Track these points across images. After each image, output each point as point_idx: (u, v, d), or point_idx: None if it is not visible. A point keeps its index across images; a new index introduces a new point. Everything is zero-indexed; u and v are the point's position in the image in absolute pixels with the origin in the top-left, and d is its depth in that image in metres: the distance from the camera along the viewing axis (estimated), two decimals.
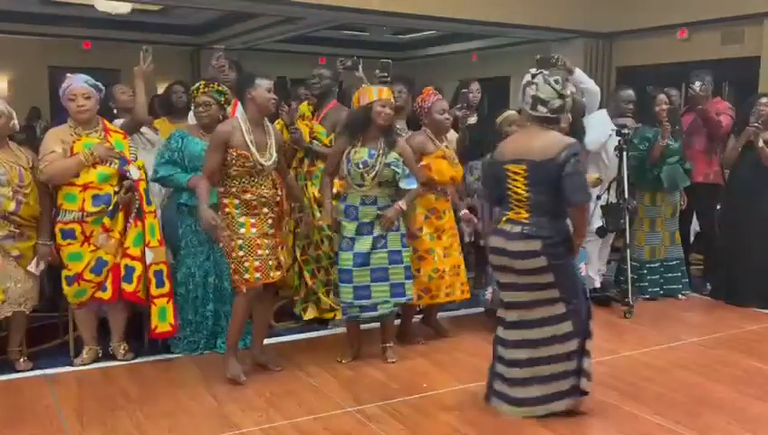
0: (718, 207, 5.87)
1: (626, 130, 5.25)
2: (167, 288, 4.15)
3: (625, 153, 5.23)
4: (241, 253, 3.76)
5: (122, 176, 4.03)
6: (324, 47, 12.03)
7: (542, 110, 3.37)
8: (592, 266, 5.38)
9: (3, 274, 3.90)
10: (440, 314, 4.91)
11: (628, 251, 5.44)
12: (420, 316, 4.86)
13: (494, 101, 8.05)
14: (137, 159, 4.17)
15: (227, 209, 3.79)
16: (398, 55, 13.29)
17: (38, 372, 4.06)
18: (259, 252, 3.78)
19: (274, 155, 3.86)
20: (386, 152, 4.05)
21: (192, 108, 4.45)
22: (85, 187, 3.94)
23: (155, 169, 4.30)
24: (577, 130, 4.90)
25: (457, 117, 4.99)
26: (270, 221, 3.86)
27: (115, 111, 5.01)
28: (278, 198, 3.93)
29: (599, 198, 5.27)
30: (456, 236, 4.65)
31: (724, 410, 3.64)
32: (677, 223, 5.85)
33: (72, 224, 3.95)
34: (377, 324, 4.38)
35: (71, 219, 3.95)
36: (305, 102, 5.05)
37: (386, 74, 4.81)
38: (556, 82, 3.37)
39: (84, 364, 4.14)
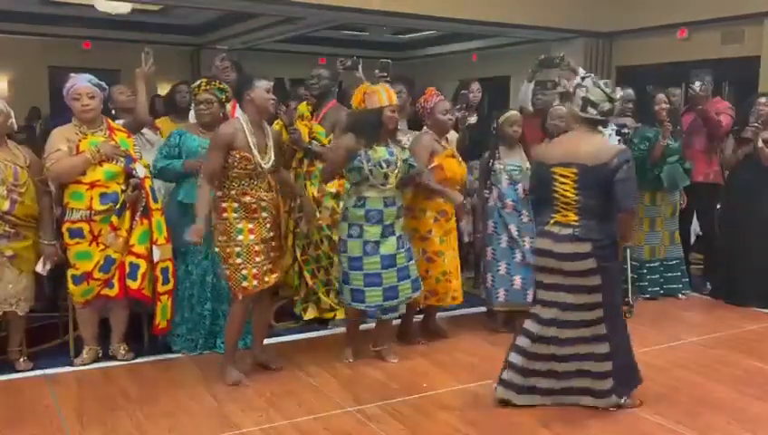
0: (718, 206, 5.87)
1: (626, 130, 5.25)
2: (171, 285, 4.17)
3: None
4: (239, 260, 3.75)
5: (128, 174, 4.04)
6: (324, 47, 12.04)
7: (591, 111, 3.43)
8: None
9: None
10: (439, 315, 4.90)
11: (628, 251, 5.43)
12: (421, 316, 4.85)
13: (495, 101, 8.05)
14: (142, 157, 4.18)
15: (225, 214, 3.76)
16: (398, 55, 13.30)
17: (38, 372, 4.05)
18: (257, 259, 3.77)
19: (273, 157, 3.86)
20: (401, 150, 4.09)
21: (193, 106, 4.46)
22: (92, 185, 3.94)
23: (153, 165, 4.31)
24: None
25: (457, 118, 4.99)
26: (268, 226, 3.85)
27: (113, 112, 5.00)
28: (275, 202, 3.92)
29: None
30: (456, 237, 4.66)
31: (725, 409, 3.64)
32: (677, 223, 5.85)
33: (80, 223, 3.95)
34: (372, 324, 4.40)
35: (78, 218, 3.94)
36: (304, 103, 5.04)
37: (385, 74, 4.80)
38: (606, 85, 3.45)
39: (84, 364, 4.14)
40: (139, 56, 4.34)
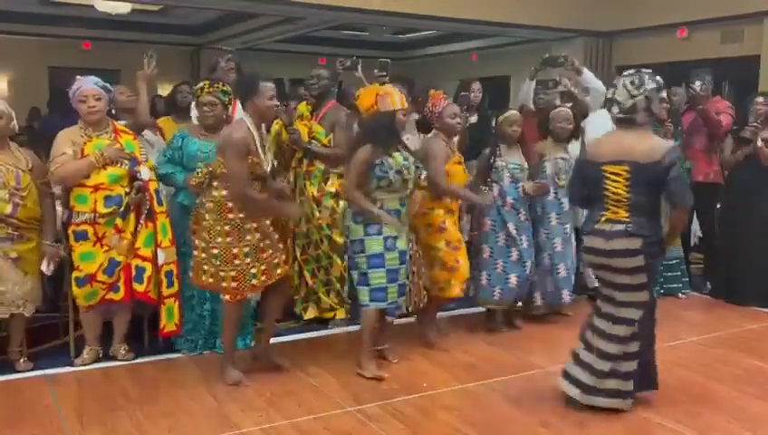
0: (718, 206, 5.87)
1: None
2: (176, 288, 4.17)
3: None
4: (248, 260, 3.75)
5: (133, 177, 4.04)
6: (324, 47, 12.04)
7: (614, 111, 3.48)
8: None
9: None
10: (440, 315, 4.89)
11: None
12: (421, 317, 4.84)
13: (495, 101, 8.05)
14: (147, 159, 4.18)
15: (232, 215, 3.74)
16: (398, 55, 13.30)
17: (38, 373, 4.05)
18: (264, 255, 3.79)
19: (272, 158, 3.87)
20: (411, 154, 4.08)
21: (194, 107, 4.45)
22: (96, 188, 3.95)
23: (155, 167, 4.30)
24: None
25: None
26: (267, 221, 3.86)
27: (113, 112, 5.00)
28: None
29: None
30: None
31: (725, 409, 3.65)
32: None
33: (84, 225, 3.96)
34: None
35: (83, 221, 3.95)
36: (304, 103, 5.04)
37: (384, 74, 4.80)
38: (632, 83, 3.44)
39: (85, 364, 4.14)
40: (139, 56, 4.34)
